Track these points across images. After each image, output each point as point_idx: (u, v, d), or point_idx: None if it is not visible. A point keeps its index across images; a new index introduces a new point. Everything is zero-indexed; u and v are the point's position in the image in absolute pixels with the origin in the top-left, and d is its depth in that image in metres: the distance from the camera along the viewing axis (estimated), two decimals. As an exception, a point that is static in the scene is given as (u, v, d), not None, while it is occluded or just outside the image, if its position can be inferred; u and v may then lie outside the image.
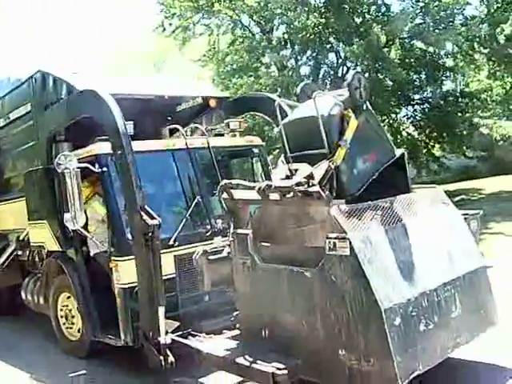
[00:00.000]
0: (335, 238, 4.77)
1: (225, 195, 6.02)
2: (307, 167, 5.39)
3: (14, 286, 10.36)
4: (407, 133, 23.38)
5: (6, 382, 7.59)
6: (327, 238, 4.83)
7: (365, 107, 5.74)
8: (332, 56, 21.17)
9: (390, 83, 19.59)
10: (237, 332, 6.13)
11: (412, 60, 19.71)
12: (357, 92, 5.53)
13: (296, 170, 5.50)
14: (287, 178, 5.55)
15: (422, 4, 19.72)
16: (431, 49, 19.19)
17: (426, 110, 22.42)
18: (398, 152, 6.12)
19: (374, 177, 5.62)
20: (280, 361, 5.09)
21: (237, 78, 21.28)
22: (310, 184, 5.10)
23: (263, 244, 5.61)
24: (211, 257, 6.07)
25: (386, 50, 17.91)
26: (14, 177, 9.90)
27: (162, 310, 6.05)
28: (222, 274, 6.07)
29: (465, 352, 5.50)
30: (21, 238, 9.38)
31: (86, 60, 33.60)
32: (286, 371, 4.97)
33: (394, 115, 22.56)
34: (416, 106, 22.84)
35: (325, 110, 5.54)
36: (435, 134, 22.25)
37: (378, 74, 19.14)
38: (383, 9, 19.85)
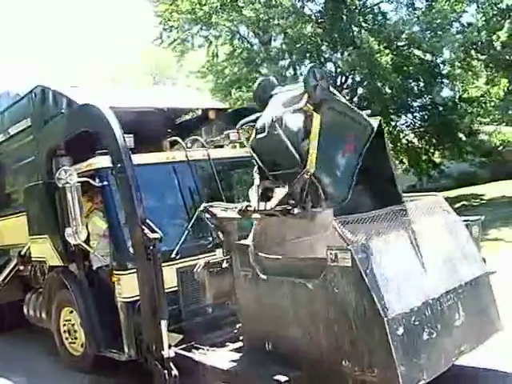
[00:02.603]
0: (337, 249, 4.77)
1: (207, 215, 6.05)
2: (283, 188, 5.19)
3: (16, 302, 10.35)
4: (407, 140, 23.47)
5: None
6: (328, 249, 4.82)
7: (327, 96, 5.19)
8: (330, 65, 21.26)
9: (389, 91, 19.65)
10: (240, 344, 6.12)
11: (410, 67, 19.75)
12: (315, 88, 5.03)
13: (272, 190, 5.31)
14: (265, 195, 5.37)
15: (418, 12, 19.82)
16: (428, 56, 19.22)
17: (425, 116, 22.51)
18: (375, 122, 5.55)
19: (359, 167, 5.27)
20: (283, 373, 5.07)
21: (236, 89, 21.34)
22: (290, 204, 5.05)
23: (264, 256, 5.59)
24: (212, 269, 6.08)
25: (380, 57, 17.90)
26: (14, 192, 9.90)
27: (164, 324, 6.00)
28: (224, 286, 6.07)
29: (469, 359, 5.50)
30: (22, 253, 9.34)
31: (84, 73, 33.68)
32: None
33: (393, 123, 22.63)
34: (415, 114, 22.94)
35: (289, 122, 5.18)
36: (435, 140, 22.31)
37: (377, 82, 19.20)
38: (379, 17, 19.93)
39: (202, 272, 6.05)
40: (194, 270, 6.14)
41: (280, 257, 5.45)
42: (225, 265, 6.09)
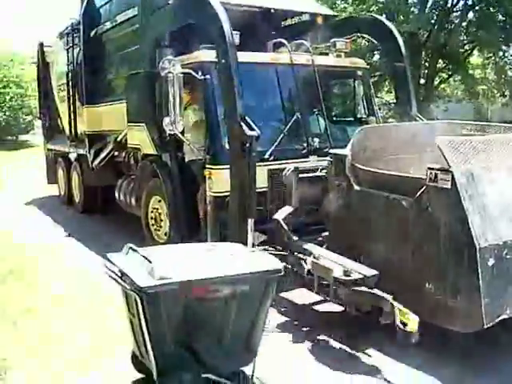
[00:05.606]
0: (437, 170, 4.63)
1: None
2: None
3: (109, 186, 10.73)
4: (513, 72, 22.33)
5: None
6: (429, 168, 4.69)
7: None
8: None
9: (502, 18, 18.56)
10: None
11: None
12: None
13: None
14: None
15: None
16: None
17: (537, 49, 21.20)
18: None
19: None
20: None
21: (341, 0, 20.69)
22: None
23: (361, 167, 5.50)
24: (302, 175, 6.07)
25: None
26: (116, 79, 10.08)
27: (251, 222, 6.08)
28: (311, 193, 6.09)
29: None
30: (118, 139, 9.60)
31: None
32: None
33: (501, 53, 21.48)
34: (526, 45, 21.60)
35: None
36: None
37: (490, 8, 18.15)
38: None
39: (291, 176, 6.06)
40: (283, 173, 6.14)
41: (377, 170, 5.35)
42: (318, 173, 6.07)
